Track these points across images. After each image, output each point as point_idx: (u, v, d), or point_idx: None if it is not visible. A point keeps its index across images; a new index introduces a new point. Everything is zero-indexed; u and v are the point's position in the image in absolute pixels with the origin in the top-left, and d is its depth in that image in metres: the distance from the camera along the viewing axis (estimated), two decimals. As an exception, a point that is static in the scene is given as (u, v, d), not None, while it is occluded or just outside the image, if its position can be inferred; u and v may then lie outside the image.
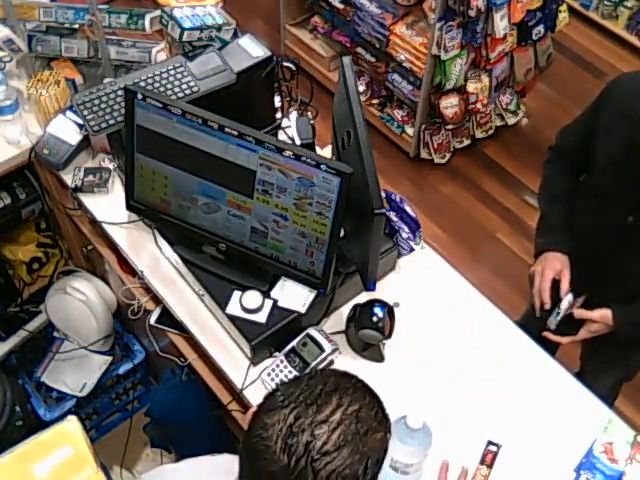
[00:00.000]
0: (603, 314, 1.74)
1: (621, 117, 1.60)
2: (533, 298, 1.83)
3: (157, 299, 1.83)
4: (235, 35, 1.88)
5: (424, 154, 3.34)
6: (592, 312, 1.76)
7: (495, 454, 1.46)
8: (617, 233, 1.70)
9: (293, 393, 0.94)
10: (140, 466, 2.48)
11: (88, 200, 1.89)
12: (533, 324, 1.83)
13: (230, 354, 1.63)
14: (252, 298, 1.57)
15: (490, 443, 1.46)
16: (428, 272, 1.78)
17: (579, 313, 1.78)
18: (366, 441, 0.91)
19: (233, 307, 1.58)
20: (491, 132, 3.44)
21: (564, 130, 1.89)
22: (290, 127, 1.92)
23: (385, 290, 1.68)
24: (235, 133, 1.44)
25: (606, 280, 1.78)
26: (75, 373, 2.39)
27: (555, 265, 1.78)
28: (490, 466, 1.45)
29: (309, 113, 1.96)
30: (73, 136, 1.90)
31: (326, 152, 1.91)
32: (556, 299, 1.80)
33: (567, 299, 1.79)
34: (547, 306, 1.79)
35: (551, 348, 1.76)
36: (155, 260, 1.76)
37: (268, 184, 1.47)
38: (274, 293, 1.60)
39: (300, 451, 0.88)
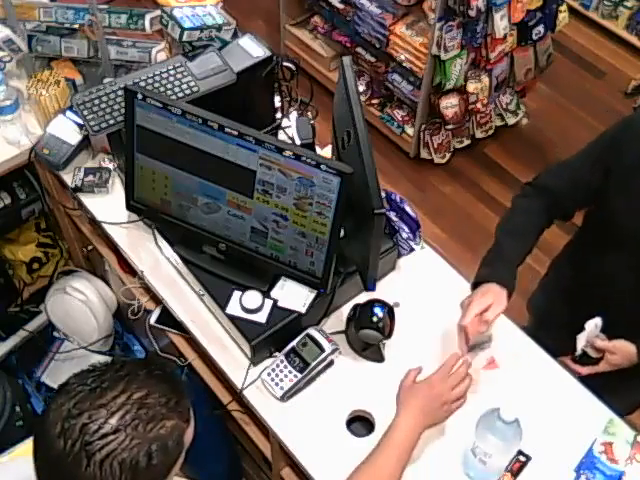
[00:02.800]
0: (624, 347, 1.59)
1: None
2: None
3: (157, 299, 1.83)
4: (235, 35, 1.88)
5: (424, 154, 3.34)
6: (611, 343, 1.60)
7: (523, 464, 1.46)
8: (636, 274, 1.61)
9: (84, 379, 0.93)
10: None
11: (88, 200, 1.89)
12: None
13: (230, 354, 1.63)
14: (252, 298, 1.57)
15: (520, 453, 1.47)
16: (428, 272, 1.78)
17: (599, 344, 1.61)
18: (151, 427, 0.89)
19: (233, 307, 1.58)
20: (491, 132, 3.44)
21: (552, 169, 1.74)
22: (290, 127, 1.92)
23: (385, 290, 1.68)
24: (235, 133, 1.44)
25: (623, 322, 1.63)
26: (75, 373, 2.39)
27: (486, 300, 1.54)
28: (515, 475, 1.45)
29: (309, 113, 1.96)
30: (73, 136, 1.90)
31: (326, 152, 1.91)
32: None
33: (587, 330, 1.59)
34: (463, 354, 1.52)
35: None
36: (155, 260, 1.76)
37: (268, 184, 1.47)
38: (274, 293, 1.60)
39: (75, 435, 0.87)
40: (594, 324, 1.59)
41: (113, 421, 0.88)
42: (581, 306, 1.71)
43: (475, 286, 1.60)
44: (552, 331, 1.82)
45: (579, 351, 1.62)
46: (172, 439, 0.92)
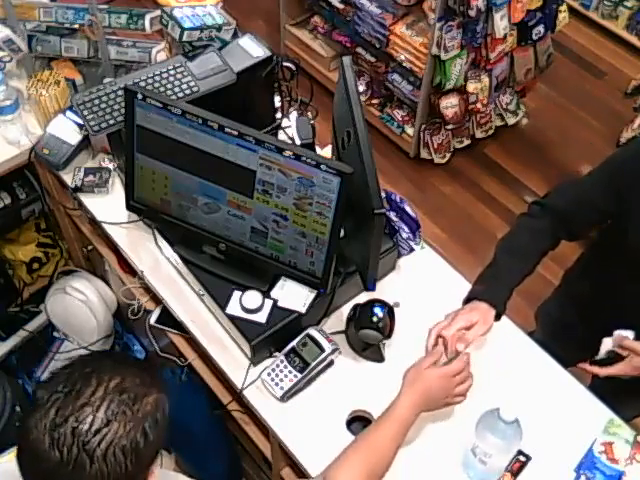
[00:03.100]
0: None
1: None
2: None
3: (157, 299, 1.83)
4: (235, 35, 1.88)
5: (424, 154, 3.34)
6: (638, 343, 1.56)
7: (523, 464, 1.47)
8: None
9: (53, 388, 0.92)
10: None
11: (88, 200, 1.89)
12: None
13: (230, 354, 1.63)
14: (252, 298, 1.57)
15: (520, 453, 1.47)
16: (428, 272, 1.78)
17: (625, 343, 1.57)
18: (137, 408, 0.91)
19: (233, 307, 1.58)
20: (491, 132, 3.44)
21: (560, 189, 1.70)
22: (290, 127, 1.92)
23: (385, 290, 1.68)
24: (235, 133, 1.44)
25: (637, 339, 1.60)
26: (75, 373, 2.39)
27: (472, 317, 1.52)
28: (515, 475, 1.45)
29: (309, 113, 1.96)
30: (73, 136, 1.90)
31: (326, 152, 1.91)
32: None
33: (616, 335, 1.57)
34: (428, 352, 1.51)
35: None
36: (155, 260, 1.76)
37: (268, 184, 1.47)
38: (274, 293, 1.60)
39: (69, 440, 0.87)
40: (626, 334, 1.55)
41: (101, 415, 0.89)
42: (594, 320, 1.71)
43: (467, 302, 1.58)
44: (561, 342, 1.80)
45: (603, 354, 1.59)
46: (159, 411, 0.95)
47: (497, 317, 1.56)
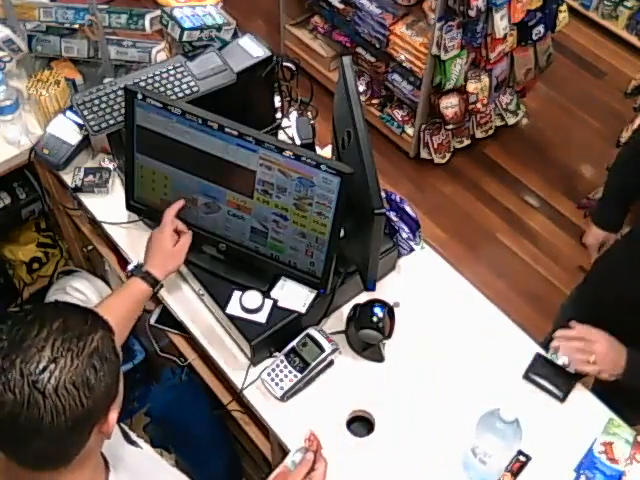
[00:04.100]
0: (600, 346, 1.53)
1: None
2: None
3: (157, 299, 1.83)
4: (235, 35, 1.88)
5: (424, 154, 3.34)
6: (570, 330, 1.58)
7: (523, 464, 1.46)
8: None
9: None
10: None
11: (88, 200, 1.89)
12: None
13: (230, 354, 1.63)
14: (252, 298, 1.57)
15: (520, 453, 1.47)
16: (428, 272, 1.78)
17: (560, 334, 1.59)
18: (83, 344, 0.92)
19: (233, 307, 1.58)
20: (491, 132, 3.44)
21: None
22: (290, 127, 1.92)
23: (385, 290, 1.68)
24: (235, 133, 1.44)
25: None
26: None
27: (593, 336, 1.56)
28: (515, 475, 1.45)
29: (309, 113, 1.96)
30: (73, 136, 1.90)
31: (326, 152, 1.91)
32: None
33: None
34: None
35: None
36: (155, 260, 1.76)
37: (268, 184, 1.47)
38: (274, 293, 1.60)
39: (19, 382, 0.89)
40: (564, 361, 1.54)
41: (47, 353, 0.90)
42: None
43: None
44: None
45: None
46: (107, 348, 0.96)
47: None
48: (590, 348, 1.52)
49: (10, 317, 0.96)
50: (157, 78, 1.75)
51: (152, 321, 1.93)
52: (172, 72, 1.76)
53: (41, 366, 0.89)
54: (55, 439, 0.92)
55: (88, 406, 0.92)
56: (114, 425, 1.00)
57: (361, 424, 1.55)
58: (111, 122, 1.72)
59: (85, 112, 1.73)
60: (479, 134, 3.40)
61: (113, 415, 0.98)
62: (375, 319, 1.54)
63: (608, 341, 1.53)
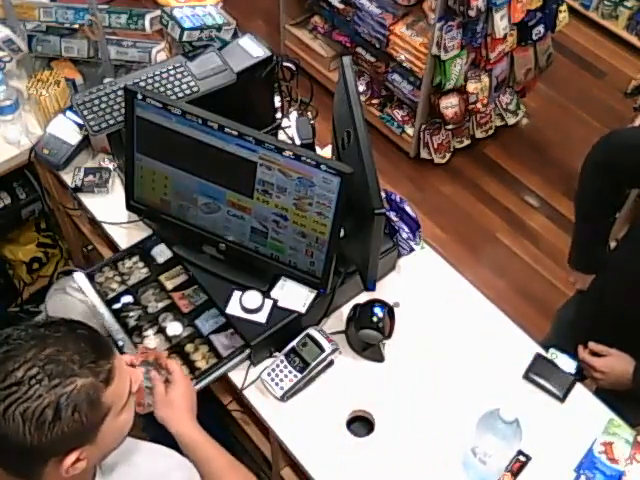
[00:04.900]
0: (609, 364, 1.60)
1: None
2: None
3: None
4: (235, 35, 1.88)
5: (424, 154, 3.34)
6: (597, 359, 1.62)
7: (523, 464, 1.47)
8: None
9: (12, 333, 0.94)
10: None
11: (88, 200, 1.89)
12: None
13: (230, 354, 1.62)
14: (252, 298, 1.57)
15: (520, 453, 1.47)
16: (428, 272, 1.78)
17: (583, 357, 1.64)
18: (57, 383, 0.89)
19: (233, 307, 1.58)
20: (491, 132, 3.43)
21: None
22: (290, 127, 1.92)
23: (385, 290, 1.68)
24: (235, 133, 1.44)
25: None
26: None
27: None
28: (515, 475, 1.45)
29: (309, 113, 1.96)
30: (73, 136, 1.90)
31: (326, 152, 1.91)
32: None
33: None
34: None
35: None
36: (155, 260, 1.76)
37: (268, 184, 1.47)
38: (274, 293, 1.60)
39: None
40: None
41: (19, 373, 0.89)
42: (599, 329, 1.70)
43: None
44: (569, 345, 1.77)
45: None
46: (84, 397, 0.91)
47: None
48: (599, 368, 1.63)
49: (24, 325, 0.94)
50: (157, 78, 1.75)
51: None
52: (172, 72, 1.76)
53: (6, 382, 0.88)
54: (8, 456, 0.91)
55: (32, 444, 0.88)
56: (85, 465, 0.95)
57: (361, 424, 1.55)
58: (111, 122, 1.72)
59: (85, 112, 1.73)
60: (479, 134, 3.40)
61: (71, 457, 0.93)
62: (375, 319, 1.54)
63: (618, 359, 1.60)
